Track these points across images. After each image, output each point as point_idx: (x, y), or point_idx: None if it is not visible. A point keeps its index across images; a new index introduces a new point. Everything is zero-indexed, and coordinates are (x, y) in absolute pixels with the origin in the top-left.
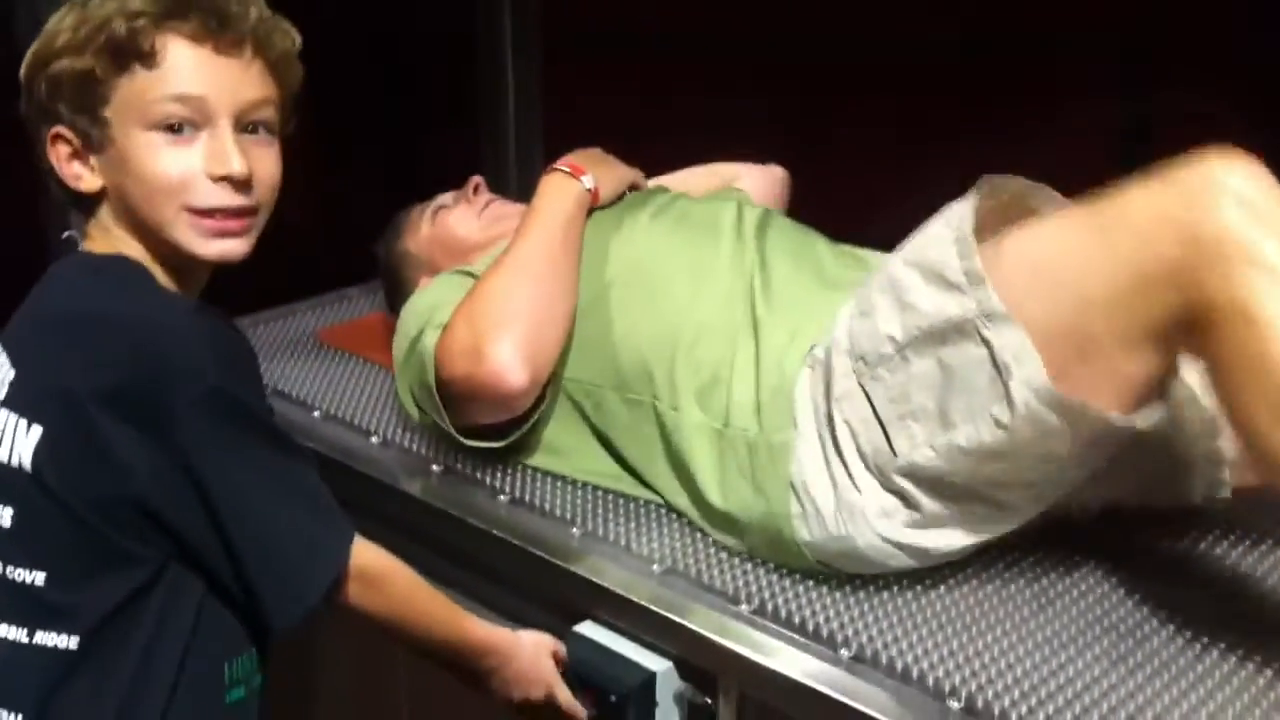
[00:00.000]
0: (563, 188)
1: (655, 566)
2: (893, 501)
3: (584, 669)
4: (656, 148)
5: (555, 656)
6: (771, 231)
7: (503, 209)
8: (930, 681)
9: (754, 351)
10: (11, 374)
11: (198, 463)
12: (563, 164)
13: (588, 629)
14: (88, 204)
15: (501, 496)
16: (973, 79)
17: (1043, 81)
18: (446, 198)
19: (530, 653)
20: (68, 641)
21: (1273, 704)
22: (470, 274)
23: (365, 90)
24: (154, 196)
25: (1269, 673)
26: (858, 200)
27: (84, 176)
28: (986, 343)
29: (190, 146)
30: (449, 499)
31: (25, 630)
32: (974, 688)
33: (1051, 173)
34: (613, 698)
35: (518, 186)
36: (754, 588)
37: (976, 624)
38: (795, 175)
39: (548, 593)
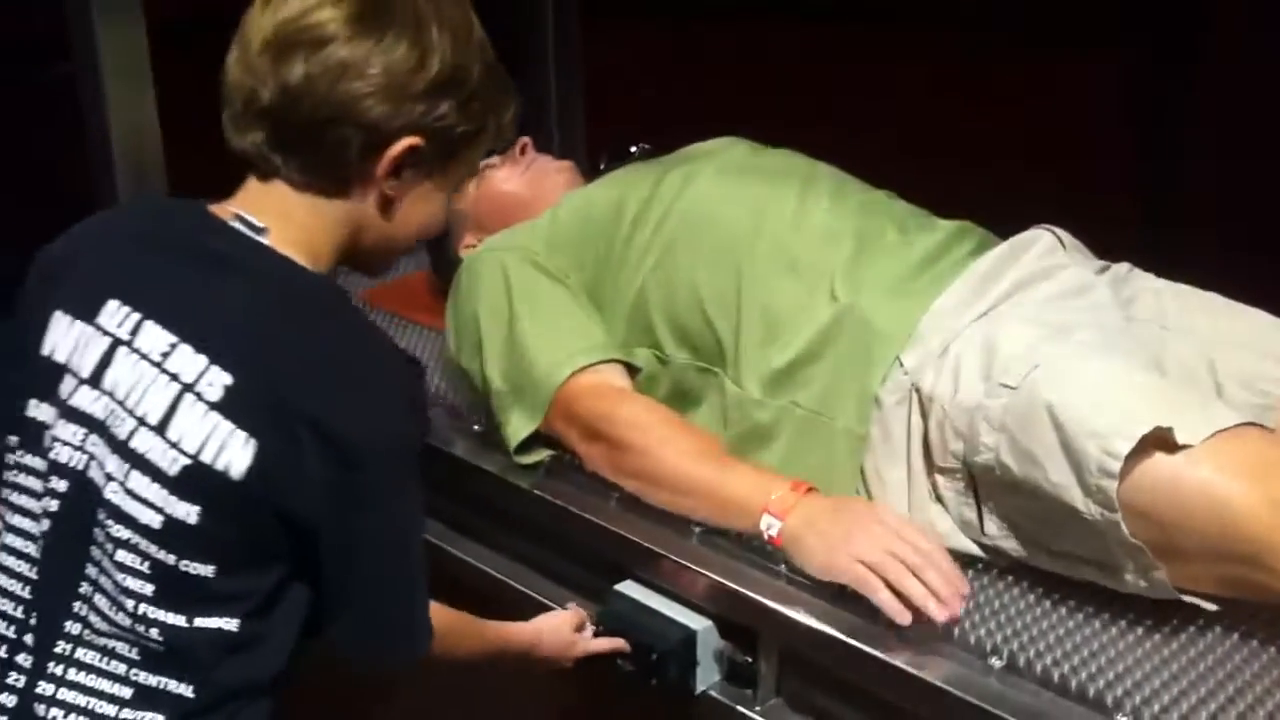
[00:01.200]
0: (754, 501)
1: (696, 526)
2: (970, 514)
3: (625, 626)
4: (692, 107)
5: (578, 624)
6: (848, 185)
7: (546, 165)
8: (971, 640)
9: (831, 326)
10: (227, 379)
11: (367, 502)
12: (790, 490)
13: (629, 588)
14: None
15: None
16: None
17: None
18: (494, 159)
19: (550, 635)
20: (228, 624)
21: None
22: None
23: None
24: (417, 234)
25: None
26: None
27: (395, 184)
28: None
29: None
30: (492, 459)
31: (184, 617)
32: (1015, 647)
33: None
34: (654, 655)
35: (559, 146)
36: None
37: (1018, 585)
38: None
39: (589, 552)
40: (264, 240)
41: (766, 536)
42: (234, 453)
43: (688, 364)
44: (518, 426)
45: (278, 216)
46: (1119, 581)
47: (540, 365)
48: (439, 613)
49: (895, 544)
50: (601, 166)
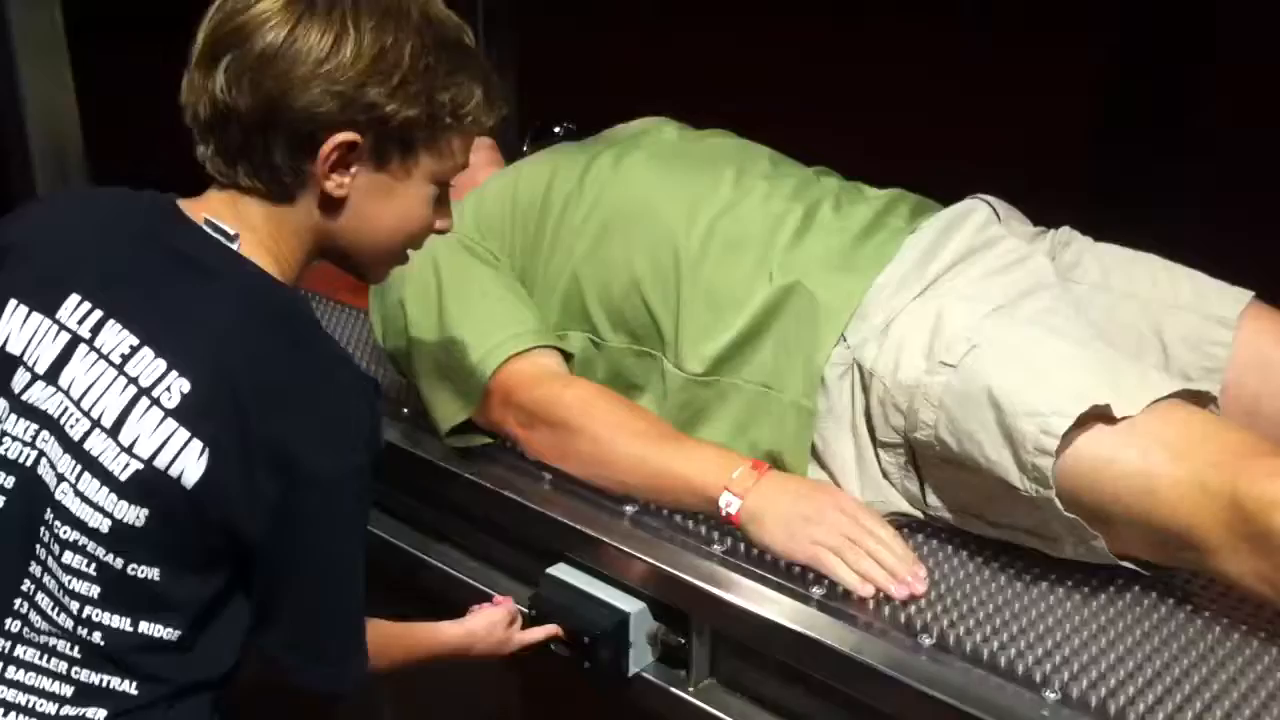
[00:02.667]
0: (713, 478)
1: (628, 508)
2: (914, 486)
3: (557, 611)
4: (635, 90)
5: (510, 619)
6: (782, 165)
7: None
8: (902, 619)
9: (773, 303)
10: (185, 386)
11: (313, 525)
12: (750, 468)
13: (561, 571)
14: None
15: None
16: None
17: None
18: None
19: (483, 634)
20: (172, 628)
21: None
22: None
23: None
24: (398, 233)
25: None
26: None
27: (341, 183)
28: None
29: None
30: (421, 444)
31: (129, 619)
32: (945, 625)
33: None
34: (586, 639)
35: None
36: (726, 528)
37: (957, 572)
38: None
39: (522, 535)
40: (235, 248)
41: (724, 514)
42: (188, 460)
43: (625, 348)
44: (450, 412)
45: (244, 225)
46: (1058, 550)
47: (472, 352)
48: (370, 627)
49: (852, 529)
50: (525, 147)
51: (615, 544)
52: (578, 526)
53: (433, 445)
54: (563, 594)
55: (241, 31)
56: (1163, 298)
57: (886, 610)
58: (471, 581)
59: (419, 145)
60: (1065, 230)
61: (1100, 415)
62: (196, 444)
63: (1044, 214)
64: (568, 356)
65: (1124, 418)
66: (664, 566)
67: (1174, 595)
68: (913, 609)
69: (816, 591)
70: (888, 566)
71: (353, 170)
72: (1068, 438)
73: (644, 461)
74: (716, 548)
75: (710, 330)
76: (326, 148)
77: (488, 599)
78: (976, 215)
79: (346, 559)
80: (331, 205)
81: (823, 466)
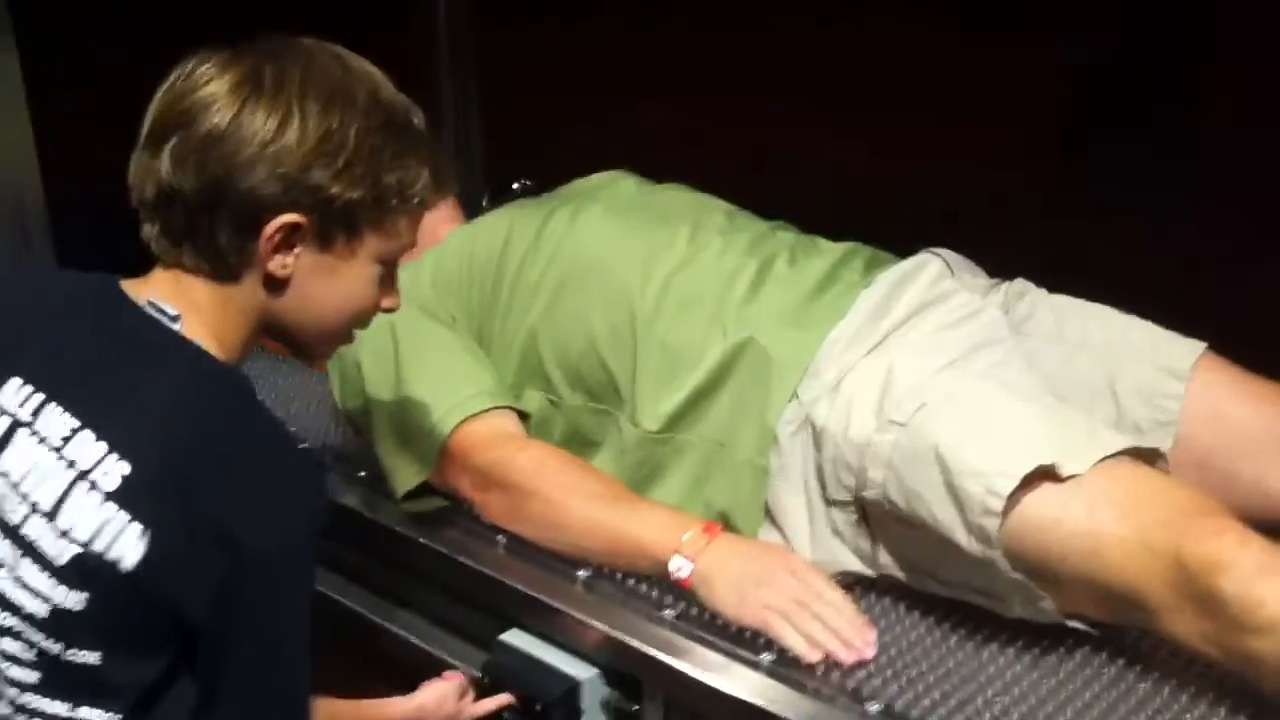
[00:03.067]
0: (665, 541)
1: (581, 573)
2: (865, 544)
3: (510, 677)
4: (603, 113)
5: (461, 691)
6: (738, 219)
7: None
8: (851, 686)
9: (728, 359)
10: (125, 469)
11: (255, 603)
12: (701, 531)
13: (514, 637)
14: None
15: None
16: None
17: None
18: None
19: (433, 708)
20: (111, 716)
21: None
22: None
23: None
24: (342, 313)
25: None
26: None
27: (286, 264)
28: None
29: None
30: (378, 508)
31: (68, 705)
32: (894, 692)
33: None
34: (538, 706)
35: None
36: (678, 591)
37: (906, 636)
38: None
39: (476, 601)
40: (178, 328)
41: (675, 578)
42: (127, 544)
43: (582, 406)
44: (407, 476)
45: (188, 305)
46: (1007, 609)
47: (428, 414)
48: (318, 707)
49: (802, 593)
50: (484, 203)
51: (567, 610)
52: (530, 592)
53: (389, 510)
54: (515, 660)
55: (188, 113)
56: (1116, 349)
57: (836, 676)
58: (427, 647)
59: (364, 226)
60: (1019, 282)
61: (1048, 473)
62: (136, 526)
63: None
64: (525, 417)
65: (1071, 476)
66: (615, 633)
67: (1124, 655)
68: (862, 674)
69: (766, 658)
70: (836, 631)
71: (297, 251)
72: (1015, 497)
73: (596, 524)
74: (669, 613)
75: (665, 387)
76: (270, 229)
77: (445, 665)
78: (929, 269)
79: (291, 638)
80: (276, 285)
81: (775, 525)
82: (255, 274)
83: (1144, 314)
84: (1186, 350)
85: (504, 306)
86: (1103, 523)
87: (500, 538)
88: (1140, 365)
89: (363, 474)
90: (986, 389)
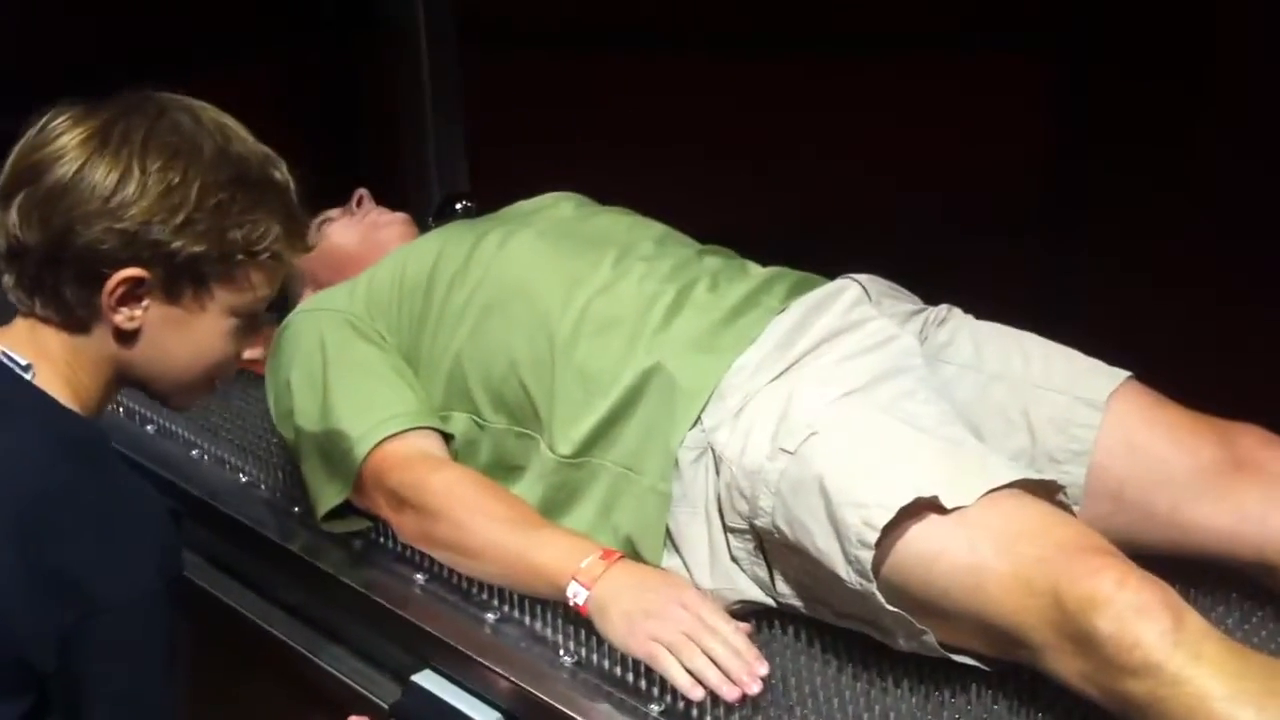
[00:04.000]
0: (563, 568)
1: (490, 615)
2: (762, 573)
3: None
4: (585, 151)
5: None
6: (668, 244)
7: (380, 217)
8: None
9: (638, 384)
10: None
11: (105, 656)
12: (599, 558)
13: (425, 679)
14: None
15: (356, 542)
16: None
17: None
18: (333, 212)
19: None
20: None
21: None
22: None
23: (285, 99)
24: (195, 365)
25: None
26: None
27: (132, 316)
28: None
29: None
30: (299, 540)
31: None
32: None
33: None
34: None
35: (440, 187)
36: (582, 636)
37: (795, 659)
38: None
39: (391, 639)
40: (29, 378)
41: (572, 604)
42: None
43: (506, 429)
44: (326, 496)
45: (41, 355)
46: (893, 642)
47: (350, 433)
48: None
49: (692, 626)
50: (430, 222)
51: (470, 653)
52: (437, 634)
53: (307, 543)
54: (422, 703)
55: (37, 167)
56: (1034, 379)
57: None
58: (349, 681)
59: (211, 280)
60: (943, 308)
61: (934, 506)
62: None
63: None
64: (448, 439)
65: (957, 508)
66: (514, 678)
67: (1017, 695)
68: (746, 710)
69: (654, 709)
70: (724, 666)
71: (145, 303)
72: (899, 529)
73: (498, 548)
74: (567, 659)
75: (580, 412)
76: (111, 283)
77: (365, 700)
78: (846, 295)
79: (150, 689)
80: (126, 337)
81: (677, 551)
82: (105, 326)
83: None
84: (1106, 380)
85: (432, 327)
86: (984, 558)
87: (418, 577)
88: (1057, 395)
89: (296, 509)
90: (882, 420)
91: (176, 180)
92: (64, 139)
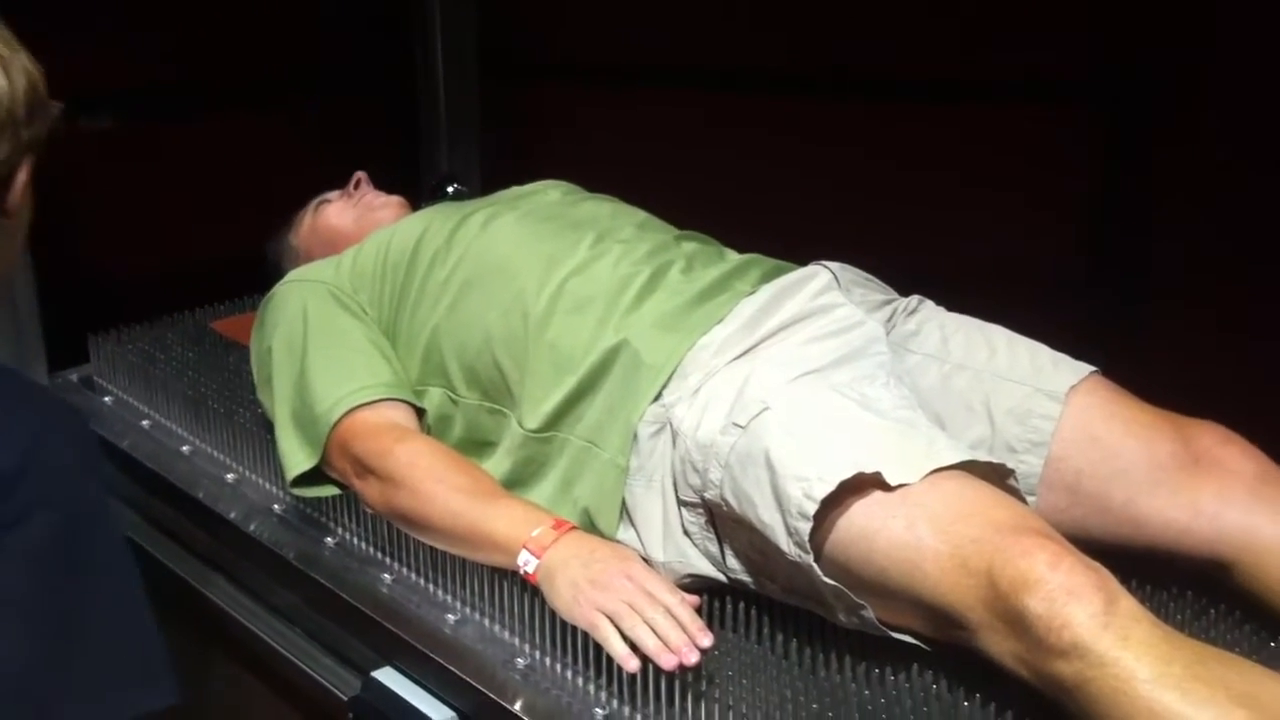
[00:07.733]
0: (515, 536)
1: (450, 616)
2: (714, 547)
3: (373, 716)
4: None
5: None
6: (648, 228)
7: (375, 199)
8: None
9: (605, 360)
10: None
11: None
12: (551, 527)
13: (385, 675)
14: None
15: (329, 539)
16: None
17: None
18: (331, 194)
19: None
20: None
21: None
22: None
23: (304, 120)
24: None
25: None
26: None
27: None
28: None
29: None
30: (275, 538)
31: None
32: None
33: None
34: None
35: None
36: (535, 639)
37: (752, 654)
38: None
39: (356, 635)
40: None
41: (523, 572)
42: None
43: (478, 405)
44: (296, 460)
45: None
46: (833, 617)
47: (323, 401)
48: None
49: (636, 597)
50: (422, 205)
51: (426, 651)
52: (397, 631)
53: (276, 537)
54: (380, 700)
55: None
56: (997, 370)
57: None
58: (308, 670)
59: None
60: (914, 299)
61: (877, 483)
62: None
63: None
64: (421, 413)
65: (900, 486)
66: (467, 678)
67: (958, 674)
68: (689, 679)
69: (599, 713)
70: (664, 635)
71: None
72: (841, 504)
73: (457, 517)
74: (520, 661)
75: (549, 388)
76: None
77: (326, 691)
78: (815, 282)
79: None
80: None
81: (632, 524)
82: None
83: None
84: (1069, 373)
85: (412, 303)
86: (921, 536)
87: (386, 576)
88: (1019, 386)
89: (276, 507)
90: (833, 399)
91: None
92: None
